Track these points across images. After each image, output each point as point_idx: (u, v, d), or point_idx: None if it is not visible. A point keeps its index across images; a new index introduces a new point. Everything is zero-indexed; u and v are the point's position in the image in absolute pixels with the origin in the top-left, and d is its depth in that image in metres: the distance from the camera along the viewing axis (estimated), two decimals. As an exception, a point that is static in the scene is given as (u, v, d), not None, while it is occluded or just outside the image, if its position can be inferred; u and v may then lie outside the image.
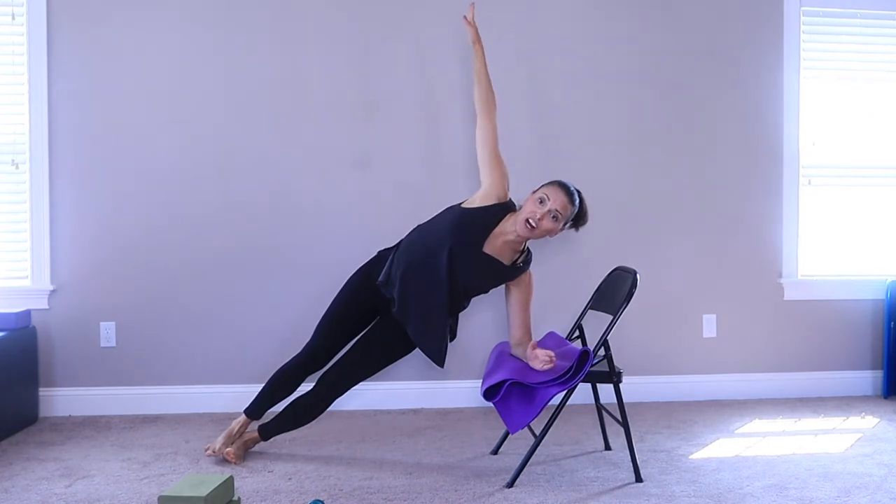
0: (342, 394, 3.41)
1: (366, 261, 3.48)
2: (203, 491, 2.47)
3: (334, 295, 3.42)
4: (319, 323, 3.45)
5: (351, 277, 3.47)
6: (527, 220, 3.13)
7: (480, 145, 3.35)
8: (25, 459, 3.43)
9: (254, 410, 3.48)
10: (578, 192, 3.27)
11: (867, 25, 4.66)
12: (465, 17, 3.48)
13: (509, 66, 4.26)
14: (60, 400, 4.15)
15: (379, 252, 3.46)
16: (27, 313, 3.99)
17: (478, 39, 3.45)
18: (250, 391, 4.25)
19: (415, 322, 3.25)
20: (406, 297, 3.24)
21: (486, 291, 3.38)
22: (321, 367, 3.47)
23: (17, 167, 4.13)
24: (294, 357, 3.46)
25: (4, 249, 4.17)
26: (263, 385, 3.50)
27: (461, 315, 3.51)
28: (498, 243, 3.22)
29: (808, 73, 4.62)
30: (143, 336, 4.20)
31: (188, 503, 2.44)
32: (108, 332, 4.18)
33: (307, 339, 4.20)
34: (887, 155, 4.72)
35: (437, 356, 3.26)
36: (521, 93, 4.34)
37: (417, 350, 3.36)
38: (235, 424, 3.48)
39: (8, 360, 3.78)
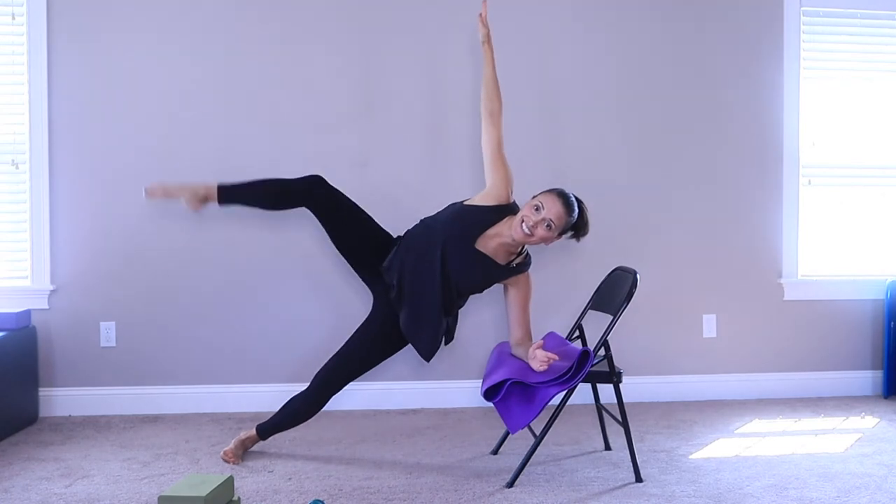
0: (338, 390, 3.39)
1: None
2: (203, 491, 2.47)
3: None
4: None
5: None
6: (521, 224, 3.12)
7: (485, 148, 3.32)
8: (25, 459, 3.43)
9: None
10: (580, 202, 3.23)
11: (867, 25, 4.66)
12: (479, 16, 3.40)
13: (515, 68, 4.26)
14: (60, 400, 4.15)
15: (397, 237, 3.42)
16: (27, 313, 3.99)
17: (488, 40, 3.37)
18: (250, 391, 4.28)
19: (407, 311, 3.25)
20: (402, 286, 3.24)
21: (480, 290, 3.36)
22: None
23: (17, 167, 4.13)
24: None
25: (4, 249, 4.17)
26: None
27: (461, 315, 3.50)
28: (493, 244, 3.21)
29: (808, 73, 4.62)
30: (143, 336, 4.20)
31: (188, 503, 2.44)
32: (108, 332, 4.18)
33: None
34: (887, 155, 4.72)
35: (425, 350, 3.27)
36: (525, 94, 4.33)
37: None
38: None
39: (8, 360, 3.78)
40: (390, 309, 3.32)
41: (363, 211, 3.36)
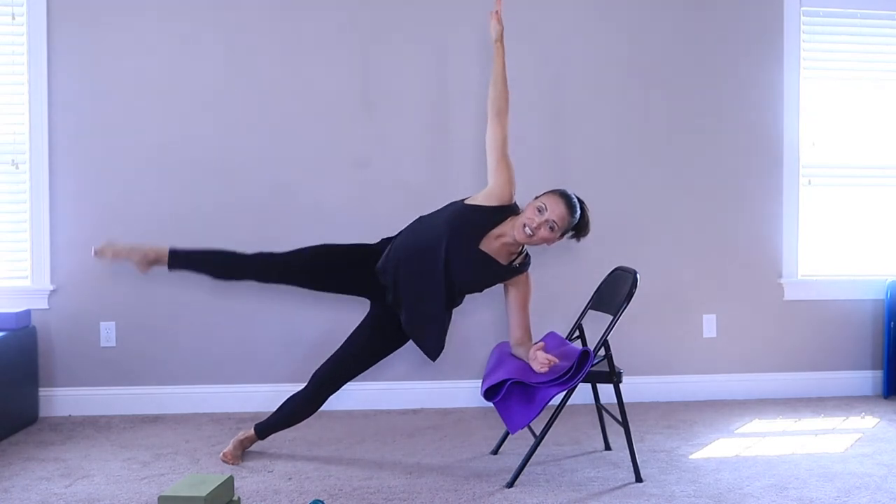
0: (336, 390, 3.38)
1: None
2: (203, 491, 2.47)
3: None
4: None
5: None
6: (524, 227, 3.12)
7: (490, 147, 3.31)
8: (25, 459, 3.43)
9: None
10: (581, 202, 3.22)
11: (867, 25, 4.66)
12: (493, 13, 3.39)
13: (518, 69, 4.25)
14: (60, 400, 4.15)
15: (382, 240, 3.42)
16: (27, 313, 3.99)
17: (501, 38, 3.37)
18: (250, 391, 4.28)
19: (408, 311, 3.24)
20: (398, 287, 3.22)
21: (481, 290, 3.35)
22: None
23: (17, 167, 4.13)
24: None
25: (4, 249, 4.17)
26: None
27: (461, 315, 3.50)
28: (495, 244, 3.20)
29: (808, 73, 4.62)
30: (143, 336, 4.20)
31: (188, 503, 2.44)
32: (108, 332, 4.18)
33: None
34: (887, 155, 4.72)
35: (431, 349, 3.26)
36: (527, 95, 4.32)
37: (417, 350, 3.35)
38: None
39: (8, 360, 3.78)
40: (387, 310, 3.31)
41: (320, 247, 3.33)
